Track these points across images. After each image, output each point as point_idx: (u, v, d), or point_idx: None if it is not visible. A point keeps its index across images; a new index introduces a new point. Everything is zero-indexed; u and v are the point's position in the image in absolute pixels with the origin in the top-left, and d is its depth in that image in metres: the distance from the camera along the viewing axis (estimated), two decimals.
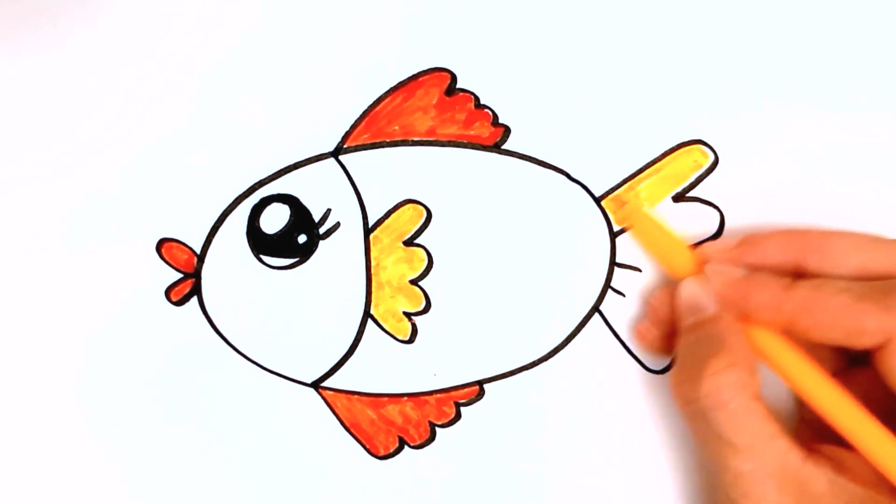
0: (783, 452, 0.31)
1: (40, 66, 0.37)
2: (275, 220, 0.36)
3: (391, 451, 0.37)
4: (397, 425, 0.37)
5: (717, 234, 0.36)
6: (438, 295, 0.36)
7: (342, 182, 0.36)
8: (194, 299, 0.37)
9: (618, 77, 0.36)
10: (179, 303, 0.37)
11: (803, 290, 0.31)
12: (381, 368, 0.36)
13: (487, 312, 0.36)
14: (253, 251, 0.36)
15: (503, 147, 0.36)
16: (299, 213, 0.36)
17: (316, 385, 0.37)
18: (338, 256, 0.36)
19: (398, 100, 0.36)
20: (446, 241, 0.36)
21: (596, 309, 0.36)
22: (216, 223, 0.37)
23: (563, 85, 0.36)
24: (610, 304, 0.36)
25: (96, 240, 0.37)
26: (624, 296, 0.36)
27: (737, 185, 0.36)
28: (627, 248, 0.36)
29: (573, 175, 0.36)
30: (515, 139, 0.36)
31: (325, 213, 0.36)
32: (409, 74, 0.36)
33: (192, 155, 0.37)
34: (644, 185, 0.36)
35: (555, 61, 0.36)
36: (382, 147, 0.36)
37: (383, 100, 0.36)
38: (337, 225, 0.36)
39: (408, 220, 0.36)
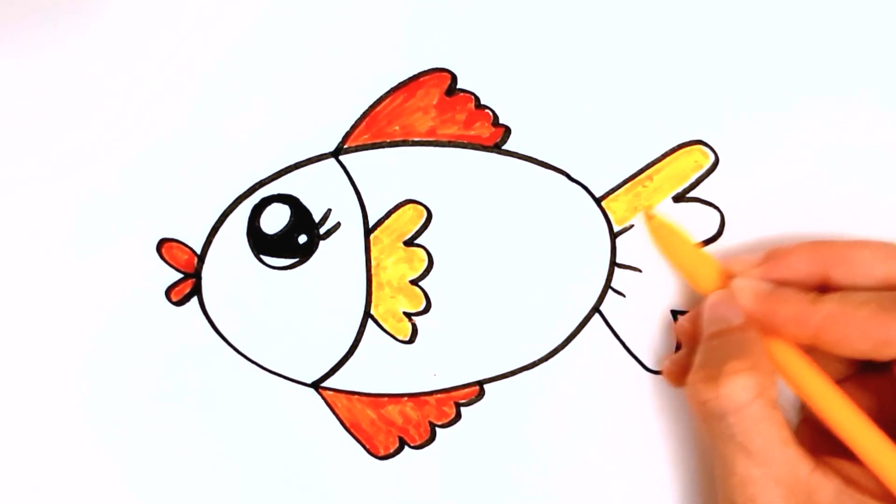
0: (793, 460, 0.31)
1: (40, 66, 0.37)
2: (275, 220, 0.36)
3: (391, 451, 0.37)
4: (397, 425, 0.37)
5: (718, 234, 0.36)
6: (438, 295, 0.36)
7: (342, 182, 0.36)
8: (194, 299, 0.37)
9: (618, 77, 0.36)
10: (179, 303, 0.37)
11: (828, 304, 0.31)
12: (382, 369, 0.36)
13: (487, 313, 0.36)
14: (253, 251, 0.36)
15: (503, 147, 0.36)
16: (300, 214, 0.36)
17: (316, 385, 0.37)
18: (338, 257, 0.36)
19: (399, 100, 0.36)
20: (446, 242, 0.36)
21: (596, 309, 0.36)
22: (216, 223, 0.37)
23: (563, 85, 0.36)
24: (610, 304, 0.36)
25: (96, 240, 0.37)
26: (624, 296, 0.36)
27: (737, 185, 0.36)
28: (628, 249, 0.36)
29: (573, 175, 0.36)
30: (516, 139, 0.36)
31: (326, 214, 0.36)
32: (410, 75, 0.36)
33: (192, 155, 0.37)
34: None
35: (555, 61, 0.36)
36: (383, 147, 0.36)
37: (384, 100, 0.36)
38: (337, 225, 0.36)
39: (408, 221, 0.36)
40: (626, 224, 0.36)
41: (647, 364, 0.36)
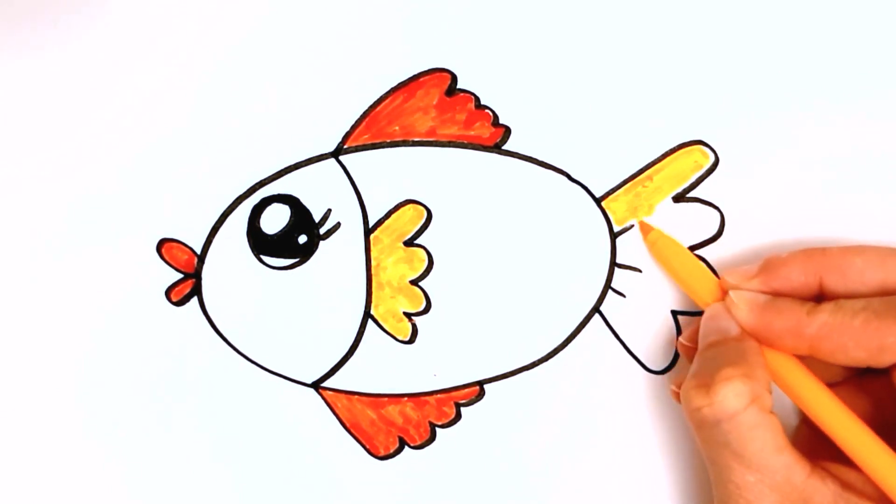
0: (788, 466, 0.31)
1: (40, 66, 0.37)
2: (275, 220, 0.36)
3: (391, 451, 0.37)
4: (397, 425, 0.37)
5: (718, 234, 0.36)
6: (439, 295, 0.36)
7: (343, 182, 0.36)
8: (194, 299, 0.37)
9: (618, 77, 0.36)
10: (180, 303, 0.37)
11: (822, 314, 0.31)
12: (382, 369, 0.36)
13: (487, 313, 0.36)
14: (253, 251, 0.36)
15: (503, 147, 0.36)
16: (300, 214, 0.36)
17: (316, 385, 0.37)
18: (338, 257, 0.36)
19: (399, 100, 0.36)
20: (446, 242, 0.36)
21: (596, 309, 0.36)
22: (216, 223, 0.37)
23: (563, 85, 0.36)
24: (610, 304, 0.36)
25: (96, 240, 0.37)
26: (624, 296, 0.36)
27: (737, 185, 0.36)
28: (628, 249, 0.36)
29: (573, 176, 0.36)
30: (516, 139, 0.36)
31: (326, 214, 0.36)
32: (410, 75, 0.36)
33: (192, 155, 0.37)
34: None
35: (555, 61, 0.36)
36: (383, 147, 0.36)
37: (384, 100, 0.36)
38: (337, 225, 0.36)
39: (408, 221, 0.36)
40: (626, 224, 0.36)
41: (647, 364, 0.36)
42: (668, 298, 0.36)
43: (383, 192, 0.36)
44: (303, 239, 0.36)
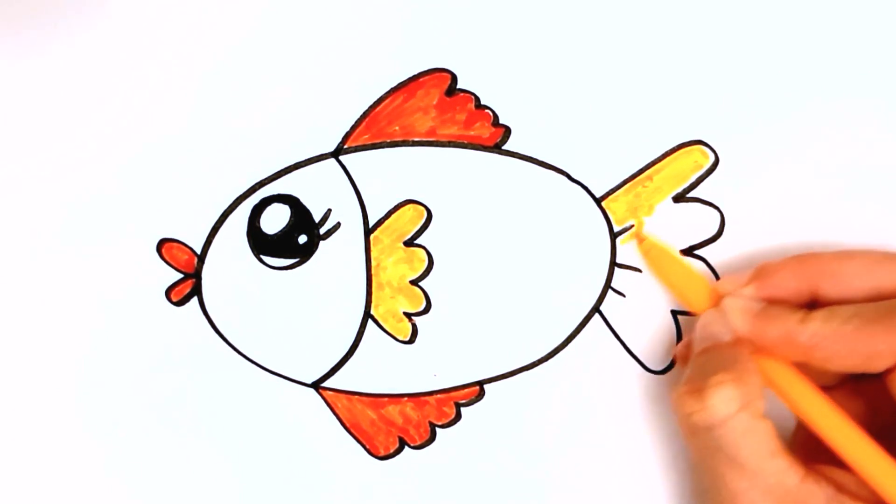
0: (782, 470, 0.30)
1: (40, 66, 0.37)
2: (275, 220, 0.36)
3: (391, 451, 0.37)
4: (397, 426, 0.37)
5: (718, 234, 0.36)
6: (439, 295, 0.36)
7: (343, 182, 0.36)
8: (194, 299, 0.37)
9: (618, 77, 0.36)
10: (180, 303, 0.37)
11: (815, 322, 0.31)
12: (382, 369, 0.36)
13: (487, 313, 0.36)
14: (253, 251, 0.36)
15: (503, 147, 0.36)
16: (300, 214, 0.36)
17: (316, 385, 0.37)
18: (338, 257, 0.36)
19: (399, 100, 0.36)
20: (447, 242, 0.36)
21: (596, 309, 0.36)
22: (216, 223, 0.37)
23: (563, 85, 0.36)
24: (610, 304, 0.36)
25: (96, 240, 0.37)
26: (624, 296, 0.36)
27: (737, 185, 0.36)
28: (628, 249, 0.36)
29: (573, 175, 0.36)
30: (516, 139, 0.36)
31: (326, 214, 0.36)
32: (410, 75, 0.36)
33: (192, 155, 0.37)
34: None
35: (555, 61, 0.36)
36: (383, 147, 0.36)
37: (384, 100, 0.36)
38: (337, 225, 0.36)
39: (408, 221, 0.36)
40: (626, 224, 0.36)
41: (647, 364, 0.36)
42: (668, 298, 0.36)
43: (383, 192, 0.36)
44: (303, 239, 0.36)
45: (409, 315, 0.36)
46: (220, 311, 0.37)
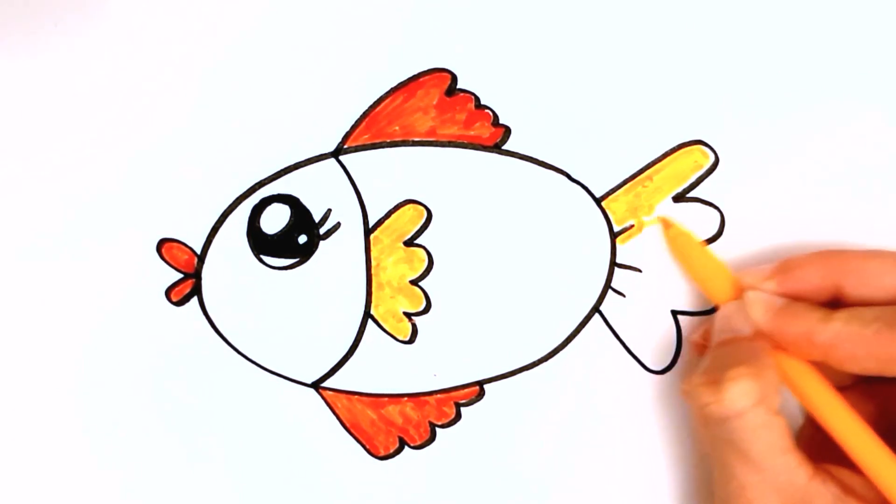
0: (792, 468, 0.31)
1: (40, 66, 0.37)
2: (275, 220, 0.36)
3: (391, 451, 0.37)
4: (397, 425, 0.37)
5: (718, 234, 0.36)
6: (438, 295, 0.36)
7: (342, 182, 0.36)
8: (194, 299, 0.37)
9: (618, 77, 0.36)
10: (179, 303, 0.37)
11: (836, 323, 0.31)
12: (382, 369, 0.36)
13: (487, 312, 0.36)
14: (253, 251, 0.36)
15: (503, 147, 0.36)
16: (300, 214, 0.36)
17: (316, 385, 0.37)
18: (338, 257, 0.36)
19: (399, 100, 0.36)
20: (446, 242, 0.36)
21: (596, 309, 0.36)
22: (216, 223, 0.37)
23: (563, 85, 0.36)
24: (610, 304, 0.36)
25: (96, 240, 0.37)
26: (624, 296, 0.36)
27: (737, 185, 0.36)
28: (628, 249, 0.36)
29: (573, 175, 0.36)
30: (516, 139, 0.36)
31: (326, 214, 0.36)
32: (410, 75, 0.36)
33: (192, 155, 0.37)
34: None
35: (555, 61, 0.36)
36: (383, 147, 0.36)
37: (384, 100, 0.36)
38: (337, 225, 0.36)
39: (408, 221, 0.36)
40: (626, 224, 0.36)
41: (647, 364, 0.36)
42: (669, 298, 0.36)
43: (383, 192, 0.36)
44: (303, 239, 0.36)
45: (409, 315, 0.36)
46: (220, 311, 0.37)
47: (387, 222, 0.36)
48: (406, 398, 0.37)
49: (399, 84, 0.36)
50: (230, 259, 0.36)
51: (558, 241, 0.36)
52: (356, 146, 0.36)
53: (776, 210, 0.36)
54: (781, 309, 0.32)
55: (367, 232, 0.36)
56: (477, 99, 0.36)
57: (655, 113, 0.36)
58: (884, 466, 0.31)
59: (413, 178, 0.36)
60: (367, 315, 0.36)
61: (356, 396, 0.37)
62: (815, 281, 0.32)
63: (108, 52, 0.37)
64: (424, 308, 0.36)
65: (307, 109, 0.37)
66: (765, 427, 0.31)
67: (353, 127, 0.36)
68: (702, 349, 0.34)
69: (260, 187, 0.36)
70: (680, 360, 0.36)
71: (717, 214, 0.36)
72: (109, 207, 0.37)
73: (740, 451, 0.31)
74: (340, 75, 0.36)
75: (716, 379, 0.31)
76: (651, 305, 0.36)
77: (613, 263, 0.36)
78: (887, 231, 0.35)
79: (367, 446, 0.37)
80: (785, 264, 0.33)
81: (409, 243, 0.36)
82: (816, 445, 0.32)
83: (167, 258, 0.37)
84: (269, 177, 0.36)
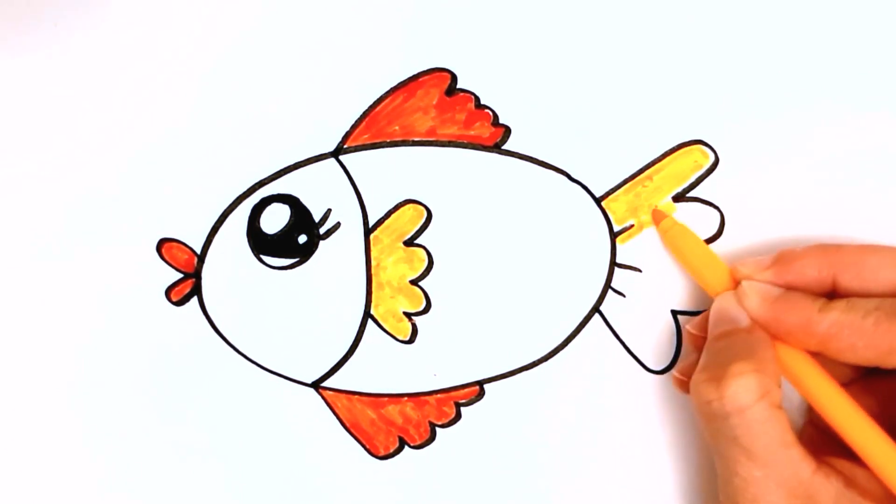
0: (795, 462, 0.31)
1: (40, 66, 0.37)
2: (275, 220, 0.36)
3: (391, 451, 0.37)
4: (397, 425, 0.37)
5: (718, 234, 0.36)
6: (438, 295, 0.36)
7: (342, 182, 0.36)
8: (194, 299, 0.37)
9: (618, 77, 0.36)
10: (179, 303, 0.37)
11: (834, 312, 0.31)
12: (382, 369, 0.36)
13: (487, 312, 0.36)
14: (253, 251, 0.36)
15: (503, 147, 0.36)
16: (300, 214, 0.36)
17: (316, 385, 0.37)
18: (338, 256, 0.36)
19: (398, 100, 0.36)
20: (446, 242, 0.36)
21: (596, 309, 0.36)
22: (216, 223, 0.37)
23: (563, 85, 0.36)
24: (610, 304, 0.36)
25: (96, 240, 0.37)
26: (624, 296, 0.36)
27: (737, 185, 0.36)
28: (628, 249, 0.36)
29: (573, 175, 0.36)
30: (516, 139, 0.36)
31: (326, 214, 0.36)
32: (410, 75, 0.36)
33: (192, 155, 0.37)
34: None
35: (555, 61, 0.36)
36: (383, 147, 0.36)
37: (384, 100, 0.36)
38: (337, 225, 0.36)
39: (408, 221, 0.36)
40: (626, 224, 0.36)
41: (647, 364, 0.36)
42: (668, 298, 0.36)
43: (383, 192, 0.36)
44: (303, 239, 0.36)
45: (409, 315, 0.36)
46: (220, 311, 0.37)
47: (387, 222, 0.36)
48: (406, 398, 0.37)
49: (399, 84, 0.36)
50: (230, 259, 0.36)
51: (558, 241, 0.36)
52: (356, 146, 0.36)
53: (776, 210, 0.36)
54: (778, 298, 0.32)
55: (367, 232, 0.36)
56: (477, 99, 0.36)
57: (655, 113, 0.36)
58: (884, 455, 0.31)
59: (413, 178, 0.36)
60: (367, 315, 0.36)
61: (356, 396, 0.37)
62: (812, 273, 0.32)
63: (108, 51, 0.37)
64: (424, 308, 0.36)
65: (307, 109, 0.37)
66: (767, 422, 0.30)
67: (353, 127, 0.36)
68: (697, 340, 0.34)
69: (260, 187, 0.36)
70: (680, 355, 0.36)
71: (717, 214, 0.36)
72: (109, 207, 0.37)
73: (743, 446, 0.31)
74: (340, 75, 0.37)
75: (718, 375, 0.31)
76: (651, 305, 0.36)
77: (613, 263, 0.36)
78: (887, 230, 0.35)
79: (367, 446, 0.37)
80: (782, 256, 0.33)
81: (409, 243, 0.36)
82: (818, 440, 0.32)
83: (167, 258, 0.37)
84: (269, 177, 0.37)
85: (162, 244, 0.37)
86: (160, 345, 0.37)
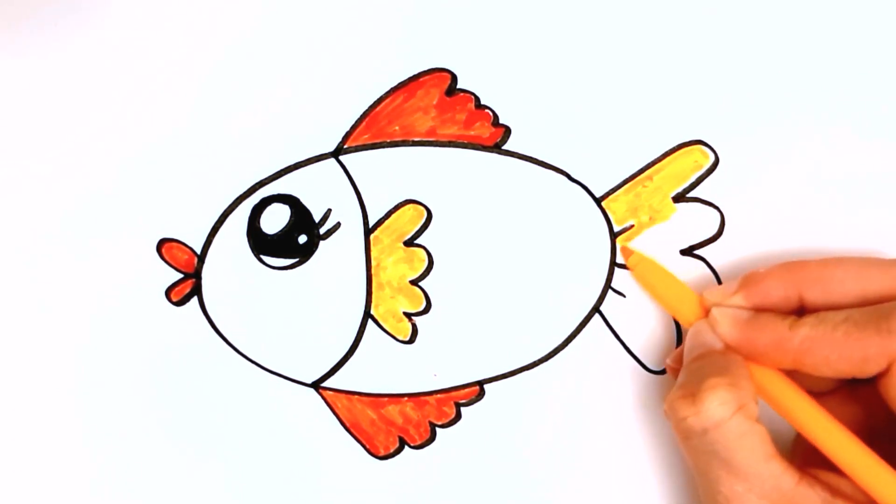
0: (776, 474, 0.30)
1: (40, 66, 0.37)
2: (275, 220, 0.36)
3: (391, 451, 0.37)
4: (397, 425, 0.37)
5: (718, 234, 0.36)
6: (439, 295, 0.36)
7: (342, 182, 0.36)
8: (194, 299, 0.37)
9: (618, 77, 0.36)
10: (180, 303, 0.37)
11: (804, 328, 0.31)
12: (382, 369, 0.36)
13: (487, 312, 0.36)
14: (253, 251, 0.36)
15: (503, 147, 0.36)
16: (300, 214, 0.36)
17: (316, 385, 0.37)
18: (338, 257, 0.36)
19: (399, 100, 0.36)
20: (446, 242, 0.36)
21: (596, 309, 0.36)
22: (216, 223, 0.37)
23: (563, 85, 0.36)
24: (610, 304, 0.36)
25: (96, 240, 0.37)
26: (624, 296, 0.36)
27: (737, 185, 0.36)
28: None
29: (573, 175, 0.36)
30: (516, 139, 0.36)
31: (326, 214, 0.36)
32: (410, 75, 0.36)
33: (192, 155, 0.37)
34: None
35: (555, 61, 0.36)
36: (383, 147, 0.36)
37: (384, 100, 0.36)
38: (337, 225, 0.36)
39: (408, 221, 0.36)
40: (626, 224, 0.36)
41: (646, 364, 0.36)
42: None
43: (383, 192, 0.36)
44: (303, 239, 0.36)
45: (409, 315, 0.36)
46: (220, 311, 0.37)
47: (387, 222, 0.36)
48: (406, 398, 0.37)
49: (399, 84, 0.36)
50: (230, 259, 0.36)
51: (558, 241, 0.36)
52: (356, 146, 0.36)
53: (776, 210, 0.36)
54: (748, 321, 0.32)
55: (367, 232, 0.36)
56: (477, 99, 0.36)
57: (655, 113, 0.36)
58: (865, 466, 0.31)
59: (413, 178, 0.36)
60: (367, 315, 0.36)
61: (356, 396, 0.37)
62: (779, 292, 0.32)
63: (108, 51, 0.37)
64: (424, 308, 0.36)
65: (307, 109, 0.37)
66: (746, 435, 0.30)
67: (353, 127, 0.36)
68: (677, 373, 0.34)
69: (260, 187, 0.36)
70: None
71: (717, 214, 0.36)
72: (109, 207, 0.37)
73: (724, 461, 0.31)
74: (340, 75, 0.36)
75: (692, 391, 0.31)
76: (651, 305, 0.36)
77: (613, 263, 0.36)
78: (886, 230, 0.35)
79: (367, 446, 0.37)
80: (747, 279, 0.33)
81: (409, 243, 0.36)
82: (811, 452, 0.32)
83: (167, 258, 0.37)
84: (269, 177, 0.37)
85: (162, 244, 0.37)
86: (160, 345, 0.37)
